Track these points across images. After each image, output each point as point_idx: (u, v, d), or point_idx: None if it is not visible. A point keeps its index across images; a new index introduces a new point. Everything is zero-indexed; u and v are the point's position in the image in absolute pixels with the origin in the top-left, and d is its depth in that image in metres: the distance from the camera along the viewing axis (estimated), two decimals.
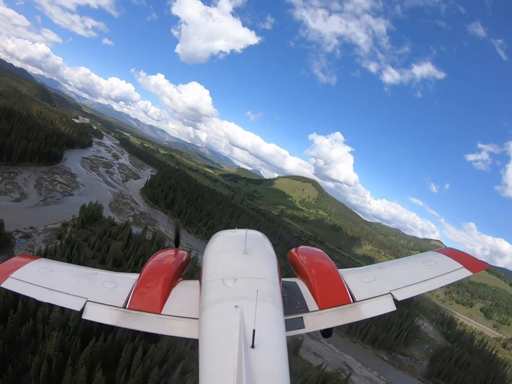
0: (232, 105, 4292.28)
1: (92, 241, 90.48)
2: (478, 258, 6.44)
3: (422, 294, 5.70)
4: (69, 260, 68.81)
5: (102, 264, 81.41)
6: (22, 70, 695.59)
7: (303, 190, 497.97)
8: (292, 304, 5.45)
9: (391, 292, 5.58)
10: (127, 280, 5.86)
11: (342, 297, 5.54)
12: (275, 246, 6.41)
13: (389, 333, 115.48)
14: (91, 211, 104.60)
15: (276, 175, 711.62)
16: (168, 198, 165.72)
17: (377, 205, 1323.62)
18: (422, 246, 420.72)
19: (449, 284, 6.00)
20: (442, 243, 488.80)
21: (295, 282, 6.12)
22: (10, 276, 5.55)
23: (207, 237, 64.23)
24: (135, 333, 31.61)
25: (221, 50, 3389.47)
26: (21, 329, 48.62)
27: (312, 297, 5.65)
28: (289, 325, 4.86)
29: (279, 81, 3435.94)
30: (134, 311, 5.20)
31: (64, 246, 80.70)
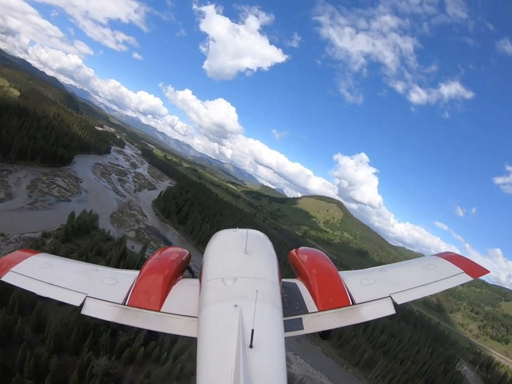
0: (257, 123, 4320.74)
1: (73, 259, 70.17)
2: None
3: (421, 298, 5.48)
4: None
5: None
6: (53, 79, 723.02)
7: (327, 211, 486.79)
8: (291, 305, 5.24)
9: (391, 295, 5.30)
10: (127, 277, 5.57)
11: (342, 299, 5.30)
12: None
13: None
14: (82, 221, 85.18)
15: (299, 195, 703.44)
16: (182, 212, 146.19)
17: (400, 228, 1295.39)
18: None
19: (447, 289, 5.68)
20: None
21: (295, 283, 5.85)
22: (10, 269, 5.35)
23: None
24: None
25: (247, 68, 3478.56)
26: None
27: (312, 298, 5.40)
28: (288, 326, 4.62)
29: (305, 100, 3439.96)
30: (133, 307, 4.99)
31: None
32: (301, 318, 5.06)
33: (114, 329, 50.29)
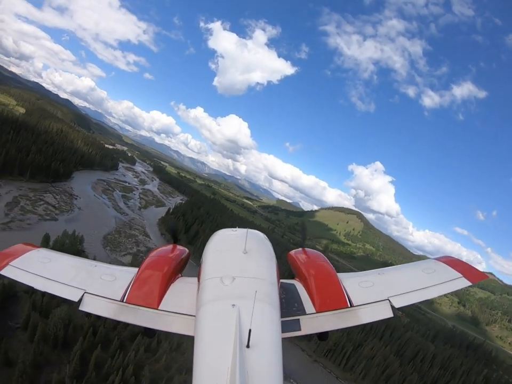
0: (270, 137, 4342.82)
1: (38, 295, 53.27)
2: None
3: (420, 301, 5.53)
4: None
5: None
6: (67, 101, 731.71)
7: (347, 223, 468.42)
8: (289, 305, 5.29)
9: (389, 298, 5.37)
10: (126, 274, 5.66)
11: (340, 301, 5.37)
12: None
13: None
14: (60, 244, 67.87)
15: (315, 207, 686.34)
16: (191, 231, 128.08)
17: (420, 236, 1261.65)
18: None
19: (448, 293, 5.75)
20: (494, 275, 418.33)
21: (293, 284, 5.92)
22: (9, 263, 5.44)
23: None
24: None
25: (257, 82, 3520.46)
26: None
27: (310, 299, 5.47)
28: (285, 327, 4.68)
29: (317, 111, 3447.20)
30: (131, 305, 5.05)
31: None
32: (298, 319, 5.07)
33: None
